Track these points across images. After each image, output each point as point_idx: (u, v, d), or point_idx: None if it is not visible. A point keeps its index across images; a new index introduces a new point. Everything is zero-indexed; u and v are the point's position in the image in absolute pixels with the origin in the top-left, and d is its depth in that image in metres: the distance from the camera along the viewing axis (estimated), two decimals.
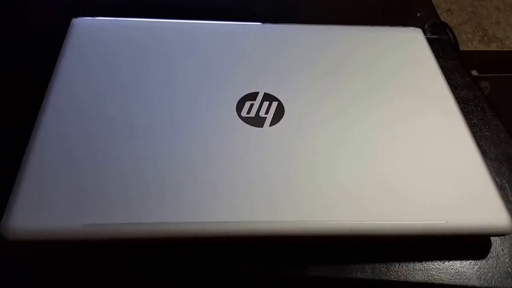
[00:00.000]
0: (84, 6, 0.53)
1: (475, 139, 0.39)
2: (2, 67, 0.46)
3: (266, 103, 0.39)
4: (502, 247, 0.36)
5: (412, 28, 0.48)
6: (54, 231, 0.30)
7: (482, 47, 1.29)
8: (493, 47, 1.29)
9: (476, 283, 0.34)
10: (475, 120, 0.45)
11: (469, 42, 1.29)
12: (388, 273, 0.34)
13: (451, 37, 0.54)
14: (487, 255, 0.36)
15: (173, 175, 0.33)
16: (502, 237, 0.36)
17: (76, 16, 0.44)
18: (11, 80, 0.44)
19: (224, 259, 0.33)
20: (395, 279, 0.34)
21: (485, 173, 0.36)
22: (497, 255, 0.36)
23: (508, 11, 1.39)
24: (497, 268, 0.35)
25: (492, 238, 0.36)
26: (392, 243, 0.35)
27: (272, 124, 0.37)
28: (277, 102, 0.39)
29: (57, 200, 0.31)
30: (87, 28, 0.43)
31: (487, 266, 0.35)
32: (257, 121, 0.37)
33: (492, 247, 0.36)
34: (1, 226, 0.30)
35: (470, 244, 0.36)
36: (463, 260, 0.35)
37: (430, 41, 0.47)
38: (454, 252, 0.35)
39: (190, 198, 0.32)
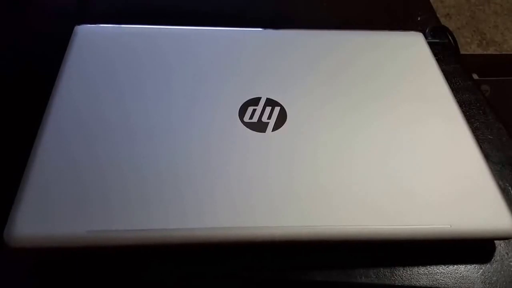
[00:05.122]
0: (87, 13, 0.54)
1: (478, 142, 0.39)
2: (5, 73, 0.46)
3: (268, 108, 0.39)
4: (507, 251, 0.36)
5: (413, 32, 0.49)
6: (57, 238, 0.30)
7: (480, 51, 1.29)
8: (491, 50, 1.30)
9: (481, 287, 0.34)
10: (477, 123, 0.45)
11: (467, 46, 1.29)
12: (393, 278, 0.34)
13: (451, 41, 0.55)
14: (491, 259, 0.35)
15: (176, 181, 0.33)
16: (506, 240, 0.36)
17: (79, 23, 0.44)
18: (14, 87, 0.44)
19: (227, 264, 0.33)
20: (399, 284, 0.33)
21: (488, 176, 0.36)
22: (502, 259, 0.36)
23: (505, 15, 1.40)
24: (502, 272, 0.35)
25: (496, 242, 0.36)
26: (396, 248, 0.35)
27: (274, 129, 0.37)
28: (279, 107, 0.39)
29: (61, 207, 0.31)
30: (90, 35, 0.43)
31: (492, 270, 0.35)
32: (259, 126, 0.37)
33: (496, 251, 0.36)
34: (5, 233, 0.29)
35: (475, 248, 0.36)
36: (467, 264, 0.35)
37: (431, 45, 0.47)
38: (459, 256, 0.35)
39: (193, 204, 0.32)
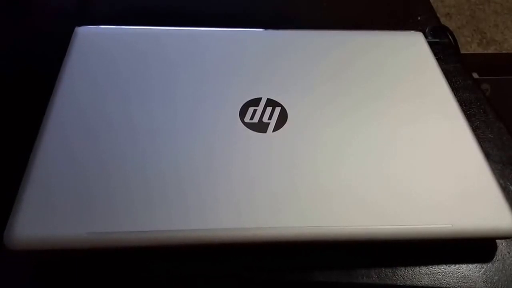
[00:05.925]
0: (87, 14, 0.54)
1: (478, 141, 0.39)
2: (5, 73, 0.46)
3: (269, 109, 0.39)
4: (508, 250, 0.36)
5: (413, 32, 0.49)
6: (58, 240, 0.30)
7: (480, 50, 1.29)
8: (491, 50, 1.30)
9: (483, 286, 0.34)
10: (478, 122, 0.45)
11: (467, 45, 1.30)
12: (394, 278, 0.34)
13: (452, 40, 0.55)
14: (493, 258, 0.35)
15: (177, 182, 0.33)
16: (508, 239, 0.36)
17: (79, 24, 0.44)
18: (14, 87, 0.44)
19: (228, 265, 0.33)
20: (401, 284, 0.33)
21: (489, 175, 0.36)
22: (503, 258, 0.36)
23: (506, 14, 1.40)
24: (503, 271, 0.35)
25: (498, 241, 0.36)
26: (397, 248, 0.35)
27: (275, 129, 0.37)
28: (280, 108, 0.39)
29: (62, 208, 0.31)
30: (90, 36, 0.43)
31: (493, 269, 0.35)
32: (260, 127, 0.37)
33: (497, 250, 0.36)
34: (5, 235, 0.29)
35: (476, 247, 0.36)
36: (469, 263, 0.35)
37: (431, 45, 0.47)
38: (460, 255, 0.35)
39: (195, 205, 0.32)
